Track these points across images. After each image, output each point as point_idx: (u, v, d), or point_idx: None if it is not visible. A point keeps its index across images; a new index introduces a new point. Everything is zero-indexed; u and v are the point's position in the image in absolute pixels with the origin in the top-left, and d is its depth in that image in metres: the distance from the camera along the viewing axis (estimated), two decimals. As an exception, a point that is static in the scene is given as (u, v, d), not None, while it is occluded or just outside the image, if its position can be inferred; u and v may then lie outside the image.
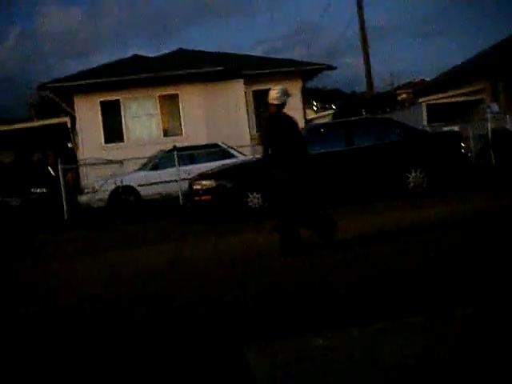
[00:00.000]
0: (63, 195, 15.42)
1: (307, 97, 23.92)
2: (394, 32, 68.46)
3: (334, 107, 32.25)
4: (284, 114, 6.98)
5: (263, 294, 5.07)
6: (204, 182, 11.17)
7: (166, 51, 23.13)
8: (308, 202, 7.01)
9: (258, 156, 15.15)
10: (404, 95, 36.80)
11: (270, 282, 5.52)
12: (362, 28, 22.29)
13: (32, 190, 21.49)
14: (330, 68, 22.15)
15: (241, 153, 16.31)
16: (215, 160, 14.72)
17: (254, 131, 19.77)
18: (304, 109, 21.94)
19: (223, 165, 13.01)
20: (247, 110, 19.85)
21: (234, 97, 19.51)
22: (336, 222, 6.97)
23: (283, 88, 7.01)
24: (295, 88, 20.70)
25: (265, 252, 7.11)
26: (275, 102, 6.88)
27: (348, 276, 5.39)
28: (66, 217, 14.74)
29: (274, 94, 6.86)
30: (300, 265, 6.22)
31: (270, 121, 7.03)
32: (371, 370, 3.08)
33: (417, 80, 45.29)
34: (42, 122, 21.44)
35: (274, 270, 6.10)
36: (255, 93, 20.36)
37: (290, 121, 6.97)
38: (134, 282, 6.35)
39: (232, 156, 15.67)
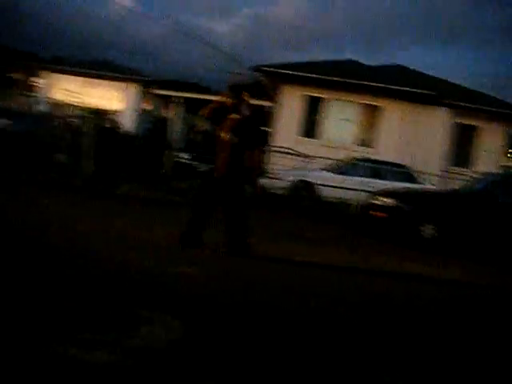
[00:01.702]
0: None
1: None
2: None
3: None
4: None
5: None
6: (385, 199, 11.23)
7: (383, 63, 23.06)
8: None
9: (443, 188, 14.97)
10: None
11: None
12: None
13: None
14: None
15: (428, 181, 16.17)
16: (399, 181, 14.70)
17: (450, 164, 19.36)
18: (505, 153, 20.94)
19: (406, 188, 12.96)
20: (448, 141, 19.39)
21: (436, 124, 19.20)
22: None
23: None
24: (498, 130, 19.89)
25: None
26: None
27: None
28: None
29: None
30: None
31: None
32: None
33: None
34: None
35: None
36: (457, 125, 19.77)
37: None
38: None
39: (415, 181, 15.52)
